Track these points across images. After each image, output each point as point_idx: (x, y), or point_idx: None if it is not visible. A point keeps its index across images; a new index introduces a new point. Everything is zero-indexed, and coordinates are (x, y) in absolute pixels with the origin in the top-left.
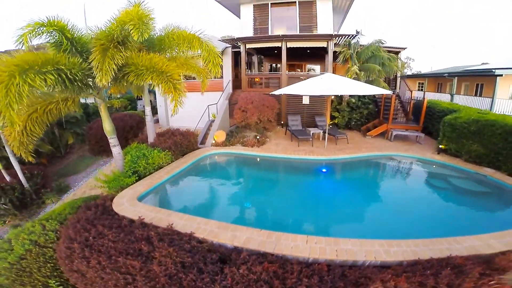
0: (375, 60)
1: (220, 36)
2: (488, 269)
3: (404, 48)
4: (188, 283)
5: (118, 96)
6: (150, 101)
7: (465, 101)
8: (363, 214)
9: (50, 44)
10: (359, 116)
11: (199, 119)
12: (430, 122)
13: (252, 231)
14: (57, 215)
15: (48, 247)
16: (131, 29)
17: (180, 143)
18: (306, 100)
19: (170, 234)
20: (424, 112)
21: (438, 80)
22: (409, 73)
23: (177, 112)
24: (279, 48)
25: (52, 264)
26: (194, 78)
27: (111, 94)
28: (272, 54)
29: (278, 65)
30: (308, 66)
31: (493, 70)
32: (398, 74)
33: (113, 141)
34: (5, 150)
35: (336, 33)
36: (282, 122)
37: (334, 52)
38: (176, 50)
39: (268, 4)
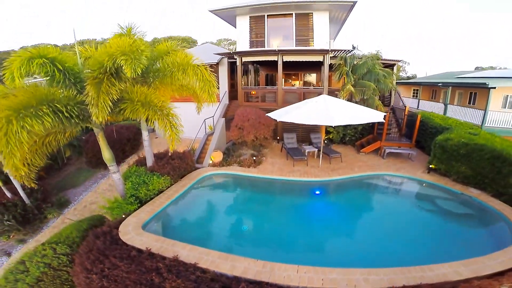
0: (370, 76)
1: (217, 39)
2: None
3: (399, 61)
4: None
5: None
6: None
7: (459, 112)
8: (351, 238)
9: (42, 75)
10: (354, 131)
11: (197, 130)
12: (423, 137)
13: (249, 261)
14: (65, 238)
15: (62, 270)
16: (123, 65)
17: (178, 166)
18: None
19: (177, 265)
20: (416, 130)
21: (433, 87)
22: (404, 75)
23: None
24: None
25: (68, 286)
26: None
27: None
28: (269, 63)
29: (275, 74)
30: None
31: (487, 83)
32: (393, 89)
33: (112, 168)
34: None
35: (332, 47)
36: (278, 138)
37: (330, 64)
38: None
39: (264, 15)
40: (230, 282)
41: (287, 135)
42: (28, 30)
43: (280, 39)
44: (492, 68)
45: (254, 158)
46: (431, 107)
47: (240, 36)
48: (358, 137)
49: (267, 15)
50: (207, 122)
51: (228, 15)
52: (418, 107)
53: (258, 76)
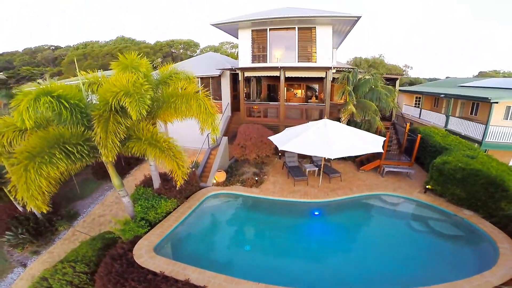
0: (372, 95)
1: (219, 42)
2: None
3: (402, 75)
4: None
5: None
6: None
7: (460, 125)
8: (345, 259)
9: (50, 113)
10: None
11: (199, 139)
12: (423, 154)
13: (251, 284)
14: (82, 257)
15: None
16: (127, 106)
17: (184, 189)
18: None
19: None
20: (416, 150)
21: (435, 95)
22: (406, 78)
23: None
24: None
25: None
26: None
27: None
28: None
29: (277, 84)
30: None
31: (489, 98)
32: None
33: (122, 192)
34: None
35: (335, 59)
36: (279, 154)
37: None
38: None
39: (266, 29)
40: None
41: (288, 153)
42: (29, 30)
43: (282, 49)
44: (496, 72)
45: (256, 179)
46: (433, 118)
47: (242, 49)
48: None
49: (270, 28)
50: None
51: (230, 28)
52: (420, 116)
53: (261, 86)
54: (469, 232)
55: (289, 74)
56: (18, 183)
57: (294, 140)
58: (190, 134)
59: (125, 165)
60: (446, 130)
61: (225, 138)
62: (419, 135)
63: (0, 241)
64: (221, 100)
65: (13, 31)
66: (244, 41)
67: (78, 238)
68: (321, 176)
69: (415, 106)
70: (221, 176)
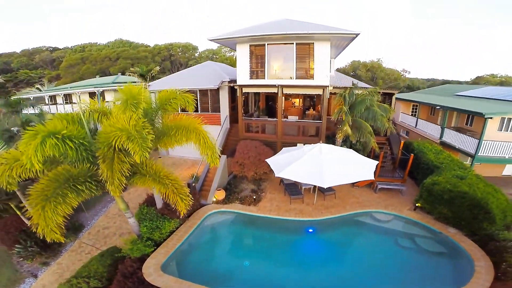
0: (368, 114)
1: (218, 45)
2: None
3: (399, 90)
4: None
5: None
6: None
7: (454, 138)
8: (336, 274)
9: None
10: None
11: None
12: (416, 170)
13: None
14: (94, 273)
15: None
16: (131, 151)
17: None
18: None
19: None
20: (408, 169)
21: (432, 106)
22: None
23: None
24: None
25: None
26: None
27: None
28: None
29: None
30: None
31: (483, 113)
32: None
33: (128, 214)
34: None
35: (331, 78)
36: None
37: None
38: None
39: (264, 44)
40: None
41: None
42: (28, 30)
43: (281, 60)
44: (493, 76)
45: (254, 197)
46: (428, 128)
47: (240, 64)
48: None
49: (268, 44)
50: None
51: (228, 42)
52: (416, 125)
53: (259, 96)
54: (451, 249)
55: (287, 91)
56: (38, 220)
57: (289, 167)
58: (190, 144)
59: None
60: (441, 142)
61: (224, 157)
62: (412, 155)
63: (9, 253)
64: (219, 112)
65: (13, 31)
66: (242, 57)
67: (84, 250)
68: (316, 194)
69: (412, 115)
70: (221, 195)
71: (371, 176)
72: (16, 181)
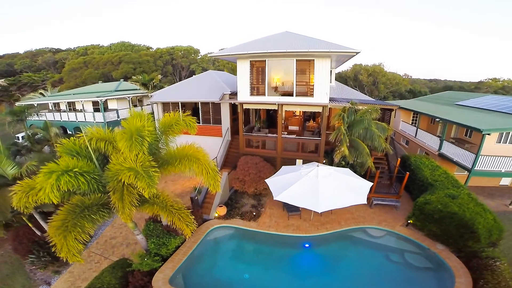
0: (366, 134)
1: (219, 48)
2: None
3: (398, 106)
4: None
5: None
6: None
7: (452, 151)
8: (327, 285)
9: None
10: None
11: None
12: (412, 184)
13: None
14: (108, 285)
15: None
16: (139, 187)
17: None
18: (299, 163)
19: None
20: (403, 186)
21: (431, 117)
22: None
23: None
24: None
25: None
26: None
27: None
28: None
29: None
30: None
31: (481, 129)
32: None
33: (136, 232)
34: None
35: (331, 102)
36: None
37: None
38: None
39: (265, 60)
40: None
41: None
42: (29, 29)
43: (281, 73)
44: (495, 80)
45: (254, 213)
46: (428, 139)
47: (240, 80)
48: None
49: (268, 59)
50: (212, 152)
51: (229, 58)
52: (416, 135)
53: (258, 113)
54: (437, 265)
55: (287, 108)
56: (61, 248)
57: (287, 190)
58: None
59: None
60: (439, 153)
61: (225, 174)
62: (407, 173)
63: (22, 262)
64: (221, 124)
65: (15, 31)
66: (243, 72)
67: (94, 259)
68: (312, 211)
69: (412, 123)
70: (222, 211)
71: (363, 201)
72: (32, 205)
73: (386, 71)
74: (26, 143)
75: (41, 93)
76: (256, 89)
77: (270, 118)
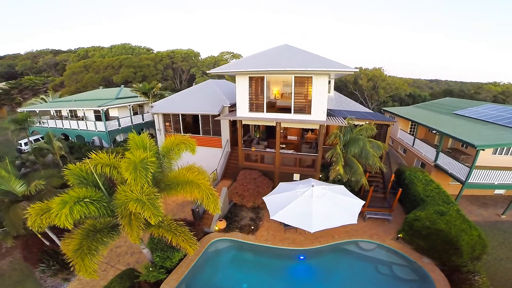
0: (361, 152)
1: (219, 51)
2: None
3: (394, 122)
4: None
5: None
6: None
7: (447, 163)
8: None
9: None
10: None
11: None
12: (405, 198)
13: None
14: None
15: None
16: (145, 216)
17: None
18: (296, 177)
19: None
20: (396, 201)
21: (428, 128)
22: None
23: None
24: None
25: None
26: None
27: None
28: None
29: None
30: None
31: (475, 145)
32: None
33: (142, 246)
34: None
35: (329, 118)
36: None
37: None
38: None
39: (264, 76)
40: None
41: None
42: (30, 29)
43: (280, 85)
44: (495, 84)
45: (252, 227)
46: (424, 150)
47: (239, 96)
48: None
49: (266, 76)
50: (212, 163)
51: (228, 74)
52: (413, 145)
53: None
54: (422, 277)
55: (285, 124)
56: (80, 268)
57: (283, 210)
58: (193, 161)
59: None
60: (435, 164)
61: (225, 189)
62: (400, 189)
63: (32, 270)
64: (220, 136)
65: (15, 31)
66: (242, 88)
67: (101, 267)
68: None
69: (410, 132)
70: (222, 225)
71: (354, 221)
72: (46, 226)
73: (386, 75)
74: (30, 157)
75: (42, 98)
76: (255, 105)
77: (269, 129)
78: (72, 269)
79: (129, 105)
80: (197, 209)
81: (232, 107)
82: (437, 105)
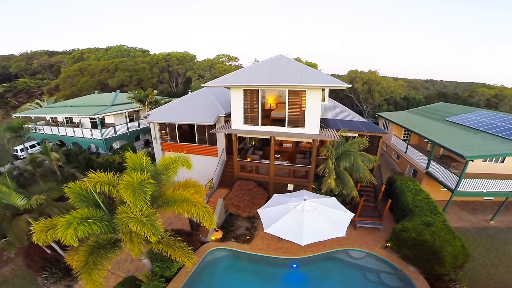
0: (352, 166)
1: (216, 54)
2: None
3: (386, 133)
4: None
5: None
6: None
7: (438, 171)
8: None
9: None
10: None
11: (199, 176)
12: (395, 207)
13: None
14: None
15: None
16: (146, 235)
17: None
18: (290, 188)
19: None
20: (386, 211)
21: (421, 136)
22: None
23: None
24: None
25: None
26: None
27: None
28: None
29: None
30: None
31: (464, 156)
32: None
33: (142, 257)
34: None
35: (322, 130)
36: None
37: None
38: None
39: (258, 90)
40: None
41: None
42: (28, 30)
43: (275, 94)
44: (489, 86)
45: (248, 237)
46: (417, 157)
47: (234, 109)
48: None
49: (261, 89)
50: (208, 171)
51: (223, 87)
52: (406, 151)
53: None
54: (407, 285)
55: (279, 138)
56: (87, 282)
57: (276, 223)
58: (190, 174)
59: None
60: (426, 172)
61: (221, 200)
62: (390, 200)
63: (35, 277)
64: (216, 145)
65: (12, 32)
66: (236, 101)
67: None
68: None
69: (403, 138)
70: (218, 235)
71: (342, 235)
72: (50, 241)
73: (382, 79)
74: (28, 167)
75: (37, 103)
76: (250, 118)
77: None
78: (78, 278)
79: (125, 112)
80: (196, 220)
81: (227, 117)
82: (431, 111)
